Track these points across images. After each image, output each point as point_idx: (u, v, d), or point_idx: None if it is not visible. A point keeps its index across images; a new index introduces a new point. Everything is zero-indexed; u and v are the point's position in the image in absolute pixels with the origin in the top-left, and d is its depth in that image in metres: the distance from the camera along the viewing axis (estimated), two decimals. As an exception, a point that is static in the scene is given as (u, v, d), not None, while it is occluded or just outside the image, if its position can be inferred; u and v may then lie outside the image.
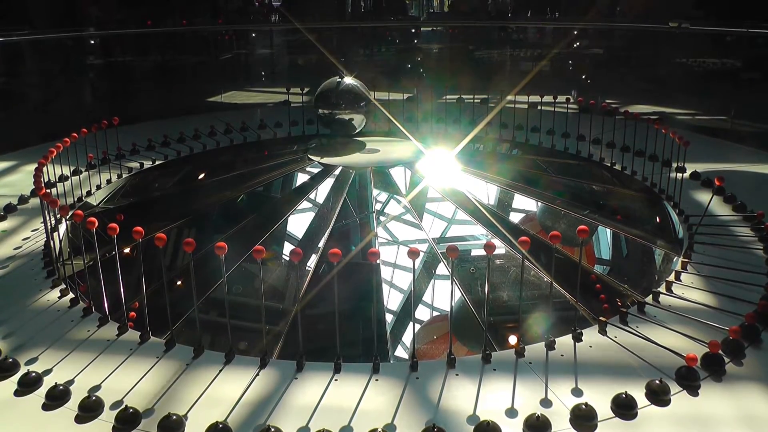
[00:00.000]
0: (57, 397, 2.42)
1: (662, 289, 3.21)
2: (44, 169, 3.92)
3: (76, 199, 4.59)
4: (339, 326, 2.58)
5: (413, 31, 9.93)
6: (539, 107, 5.89)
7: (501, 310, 3.28)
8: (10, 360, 2.65)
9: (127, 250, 3.41)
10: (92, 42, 8.06)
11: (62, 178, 4.74)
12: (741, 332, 2.73)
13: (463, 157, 5.18)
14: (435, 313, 3.41)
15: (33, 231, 4.14)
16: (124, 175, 5.18)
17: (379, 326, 3.11)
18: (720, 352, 2.61)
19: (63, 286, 3.32)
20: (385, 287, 3.42)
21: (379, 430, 2.21)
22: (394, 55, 9.74)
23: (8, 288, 3.38)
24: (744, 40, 7.01)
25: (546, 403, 2.40)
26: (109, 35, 8.09)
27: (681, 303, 3.09)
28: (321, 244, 3.76)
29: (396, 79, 8.22)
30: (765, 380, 2.51)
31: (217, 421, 2.24)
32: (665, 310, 3.02)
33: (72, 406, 2.40)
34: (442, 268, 3.59)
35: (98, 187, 4.90)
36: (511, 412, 2.35)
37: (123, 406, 2.34)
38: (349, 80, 5.17)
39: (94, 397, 2.39)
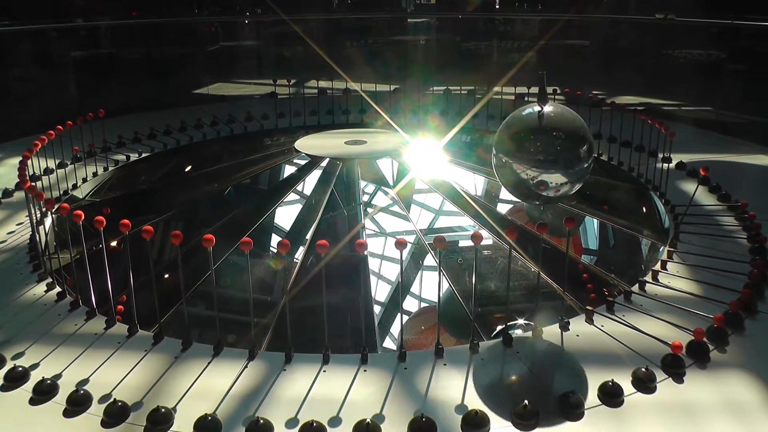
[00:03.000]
0: (44, 392, 2.41)
1: (648, 278, 3.24)
2: (29, 161, 3.87)
3: (61, 192, 4.55)
4: (327, 318, 2.59)
5: (410, 20, 9.91)
6: (526, 98, 5.90)
7: (489, 300, 3.30)
8: (-4, 355, 2.63)
9: (114, 243, 3.39)
10: (77, 33, 7.96)
11: (47, 171, 4.69)
12: (725, 320, 2.76)
13: (451, 147, 5.18)
14: (423, 304, 3.42)
15: (18, 225, 4.10)
16: (110, 168, 5.15)
17: (367, 317, 3.12)
18: (704, 339, 2.65)
19: (49, 279, 3.29)
20: (373, 278, 3.43)
21: (368, 420, 2.22)
22: (381, 47, 9.72)
23: (-7, 282, 3.36)
24: (729, 32, 7.06)
25: (533, 391, 2.42)
26: (94, 26, 8.00)
27: (667, 292, 3.12)
28: (309, 236, 3.76)
29: (383, 70, 8.19)
30: (748, 367, 2.55)
31: (206, 414, 2.24)
32: (651, 299, 3.05)
33: (60, 400, 2.38)
34: (429, 259, 3.60)
35: (84, 180, 4.86)
36: (500, 401, 2.36)
37: (111, 400, 2.33)
38: (550, 109, 2.95)
39: (82, 391, 2.38)
